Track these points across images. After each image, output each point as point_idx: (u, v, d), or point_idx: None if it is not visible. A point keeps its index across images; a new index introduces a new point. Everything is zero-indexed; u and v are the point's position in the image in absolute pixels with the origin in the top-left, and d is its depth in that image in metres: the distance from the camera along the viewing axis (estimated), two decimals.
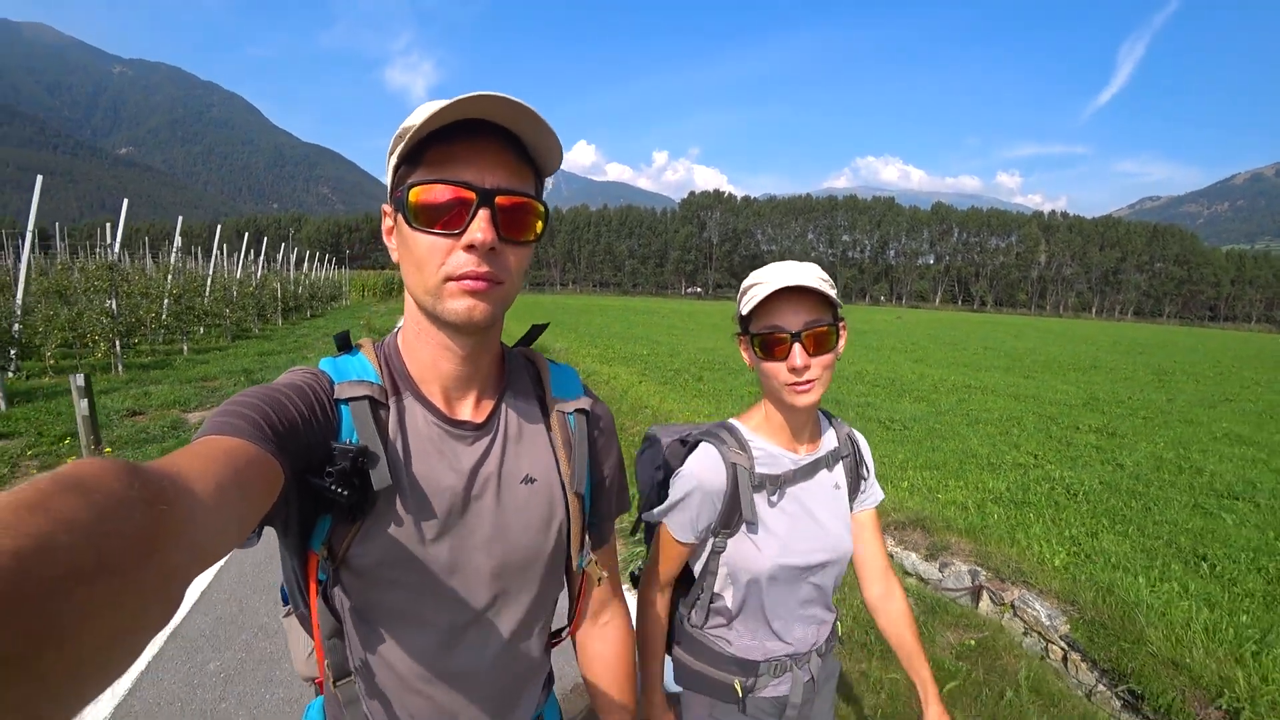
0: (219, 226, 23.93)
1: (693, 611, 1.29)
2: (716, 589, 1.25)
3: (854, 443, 1.34)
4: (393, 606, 0.80)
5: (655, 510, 1.25)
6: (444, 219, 0.71)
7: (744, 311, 1.17)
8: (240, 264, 23.49)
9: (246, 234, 22.50)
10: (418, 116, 0.69)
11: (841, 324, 1.17)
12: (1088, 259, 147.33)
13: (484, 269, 0.72)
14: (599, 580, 0.95)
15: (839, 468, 1.30)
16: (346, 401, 0.77)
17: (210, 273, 18.94)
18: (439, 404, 0.83)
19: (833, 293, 1.12)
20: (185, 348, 14.02)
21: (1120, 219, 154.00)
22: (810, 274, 1.11)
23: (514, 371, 0.91)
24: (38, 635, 0.27)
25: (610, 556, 1.03)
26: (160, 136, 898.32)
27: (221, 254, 22.82)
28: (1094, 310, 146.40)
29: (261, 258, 27.79)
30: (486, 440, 0.84)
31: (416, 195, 0.71)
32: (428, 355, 0.81)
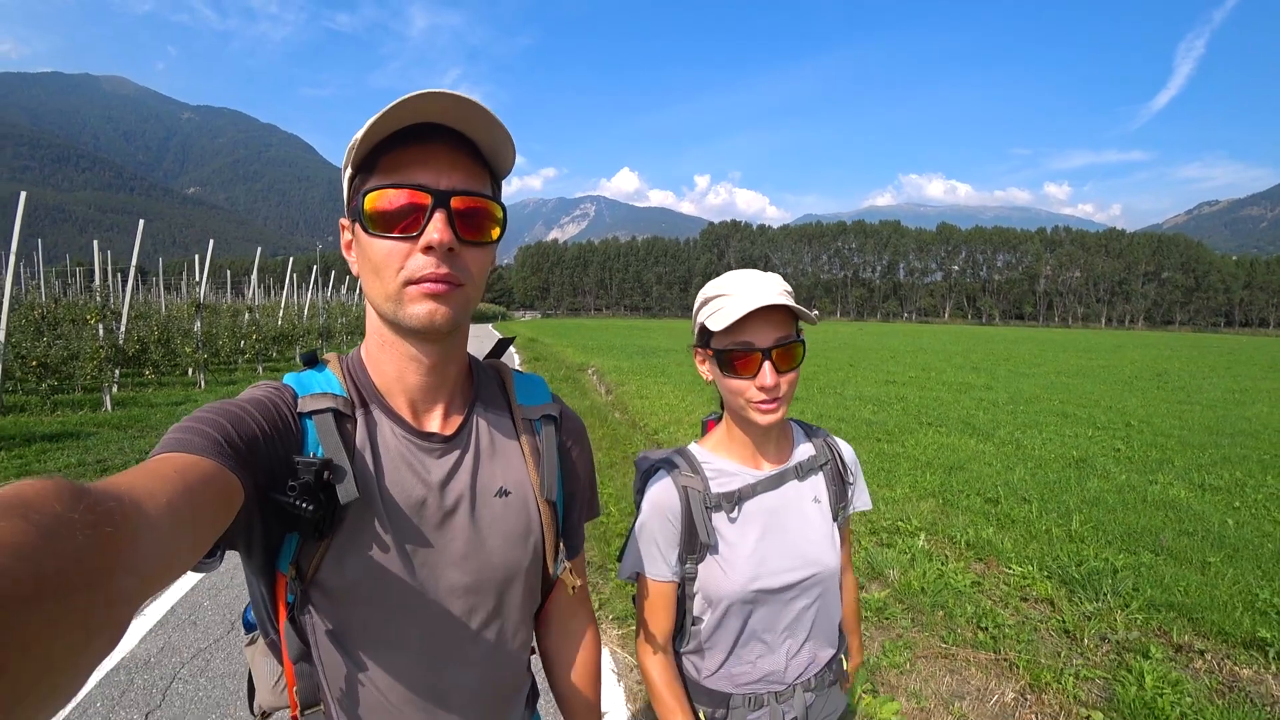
0: (290, 261, 26.19)
1: (677, 638, 1.26)
2: (695, 612, 1.21)
3: (833, 449, 1.30)
4: (366, 626, 0.79)
5: (622, 563, 1.24)
6: (401, 223, 0.72)
7: (713, 327, 1.12)
8: (311, 292, 26.01)
9: (315, 266, 25.31)
10: (366, 125, 0.70)
11: (803, 341, 1.16)
12: (1093, 271, 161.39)
13: (443, 270, 0.73)
14: (573, 589, 0.95)
15: (816, 478, 1.26)
16: (310, 415, 0.76)
17: (283, 302, 22.19)
18: (406, 416, 0.82)
19: (799, 308, 1.10)
20: (260, 368, 16.27)
21: (1123, 232, 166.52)
22: (775, 287, 1.09)
23: (483, 383, 0.92)
24: None
25: (581, 563, 1.04)
26: (224, 176, 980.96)
27: (291, 285, 24.31)
28: (1103, 320, 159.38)
29: (329, 288, 30.67)
30: (457, 453, 0.84)
31: (372, 201, 0.72)
32: (392, 367, 0.81)
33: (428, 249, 0.72)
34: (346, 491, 0.73)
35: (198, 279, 14.82)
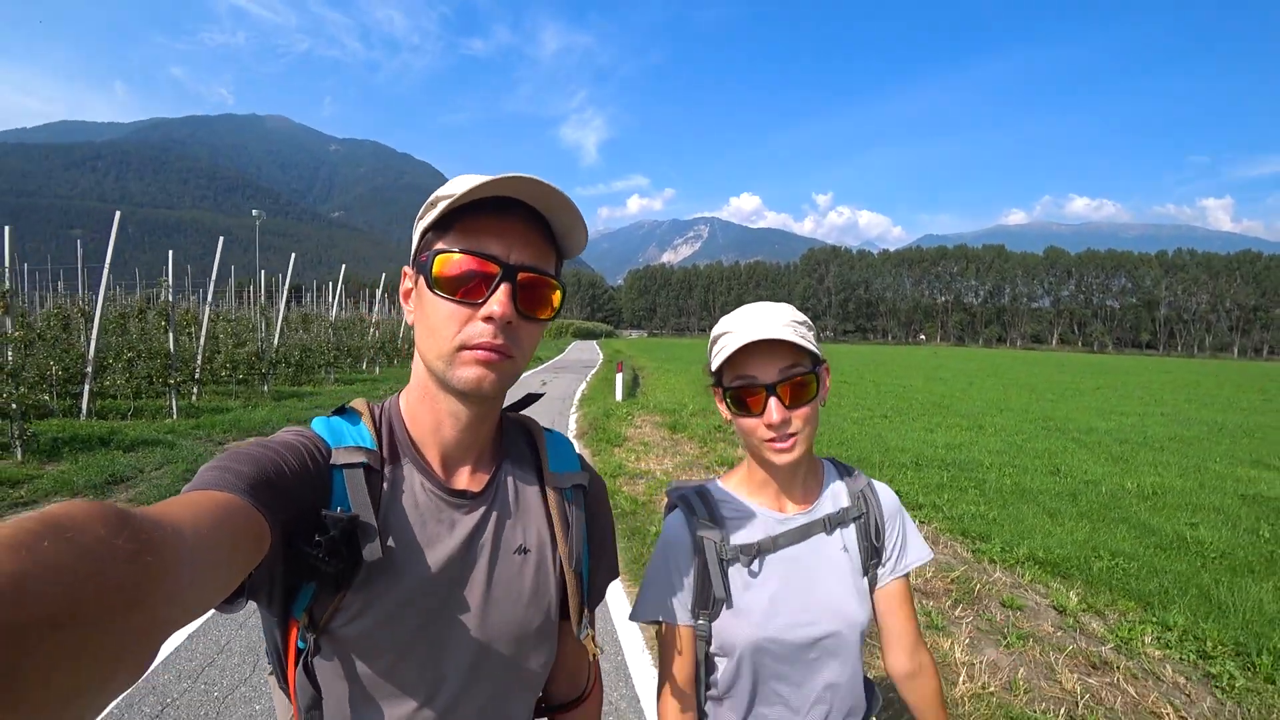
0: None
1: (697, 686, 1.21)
2: (713, 660, 1.18)
3: (869, 501, 1.21)
4: (374, 676, 0.79)
5: (636, 606, 1.20)
6: (465, 288, 0.75)
7: (714, 364, 1.12)
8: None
9: None
10: (453, 188, 0.73)
11: (823, 368, 1.11)
12: (1219, 296, 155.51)
13: (499, 341, 0.75)
14: (594, 656, 0.97)
15: (849, 530, 1.19)
16: (342, 468, 0.77)
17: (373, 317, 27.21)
18: (437, 470, 0.85)
19: (806, 340, 1.07)
20: (378, 369, 21.86)
21: (1260, 254, 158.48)
22: (780, 319, 1.07)
23: (510, 440, 0.94)
24: (2, 682, 0.27)
25: (592, 620, 1.02)
26: (364, 202, 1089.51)
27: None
28: (1235, 351, 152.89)
29: None
30: (483, 510, 0.86)
31: (442, 262, 0.75)
32: (430, 420, 0.84)
33: (488, 319, 0.74)
34: (371, 551, 0.74)
35: (331, 299, 20.70)
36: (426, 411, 0.84)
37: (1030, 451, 10.36)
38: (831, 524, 1.18)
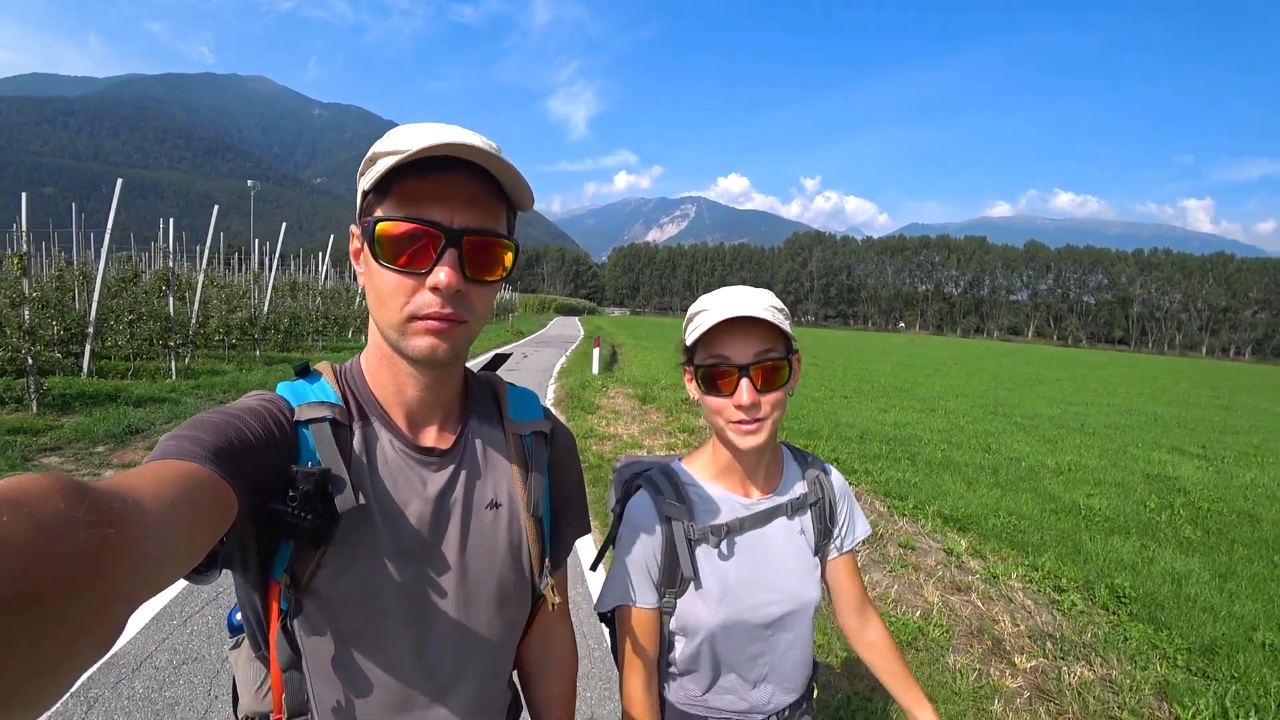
0: None
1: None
2: (672, 640, 1.20)
3: (823, 486, 1.27)
4: (358, 636, 0.80)
5: (602, 593, 1.20)
6: (410, 256, 0.73)
7: (688, 341, 1.12)
8: None
9: None
10: (389, 143, 0.72)
11: (796, 356, 1.12)
12: (1191, 296, 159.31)
13: (447, 310, 0.74)
14: (553, 605, 0.97)
15: (805, 515, 1.24)
16: (307, 424, 0.78)
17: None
18: (404, 429, 0.85)
19: (785, 324, 1.08)
20: (364, 338, 21.71)
21: (1232, 256, 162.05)
22: (760, 301, 1.06)
23: (477, 397, 0.94)
24: None
25: (563, 578, 1.04)
26: (348, 168, 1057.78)
27: None
28: (1204, 350, 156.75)
29: None
30: (452, 467, 0.86)
31: (383, 230, 0.73)
32: (391, 381, 0.84)
33: (435, 289, 0.73)
34: (345, 501, 0.75)
35: (319, 268, 22.64)
36: (387, 373, 0.84)
37: (970, 432, 11.22)
38: (793, 509, 1.22)
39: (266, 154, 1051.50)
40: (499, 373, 1.03)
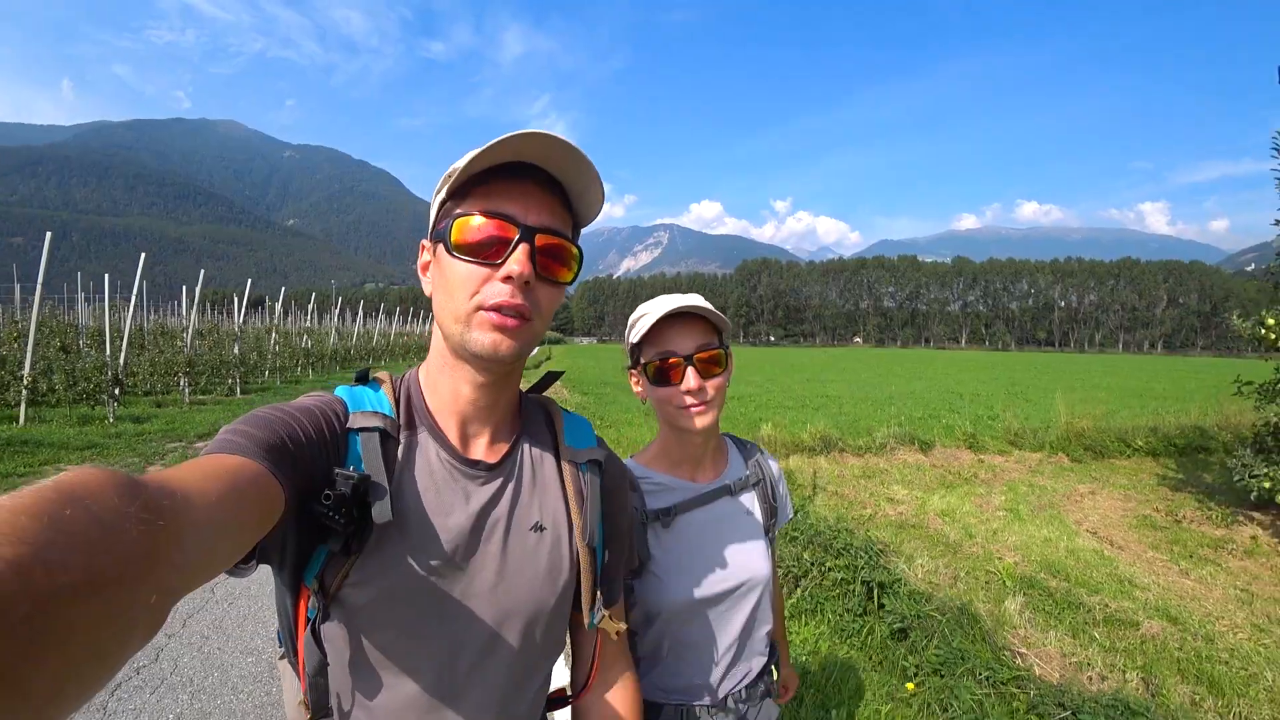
0: (363, 288, 45.51)
1: None
2: (633, 627, 1.21)
3: (762, 468, 1.36)
4: (383, 648, 0.78)
5: None
6: (485, 250, 0.75)
7: (634, 340, 1.19)
8: (361, 321, 35.48)
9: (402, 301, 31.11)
10: (467, 157, 0.74)
11: (729, 349, 1.21)
12: (1105, 299, 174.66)
13: (517, 301, 0.75)
14: (616, 634, 0.95)
15: (750, 494, 1.32)
16: (358, 431, 0.78)
17: (356, 329, 32.76)
18: (454, 440, 0.84)
19: (717, 316, 1.18)
20: (310, 374, 23.05)
21: (1138, 261, 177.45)
22: (694, 299, 1.16)
23: (529, 416, 0.94)
24: (24, 649, 0.28)
25: (620, 615, 1.01)
26: (320, 209, 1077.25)
27: (374, 316, 38.10)
28: (1120, 346, 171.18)
29: (413, 318, 47.22)
30: (499, 482, 0.85)
31: (461, 225, 0.76)
32: (448, 388, 0.84)
33: (507, 278, 0.75)
34: (381, 512, 0.74)
35: (304, 313, 25.05)
36: (445, 381, 0.84)
37: (816, 395, 17.49)
38: (737, 488, 1.31)
39: (238, 197, 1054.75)
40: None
